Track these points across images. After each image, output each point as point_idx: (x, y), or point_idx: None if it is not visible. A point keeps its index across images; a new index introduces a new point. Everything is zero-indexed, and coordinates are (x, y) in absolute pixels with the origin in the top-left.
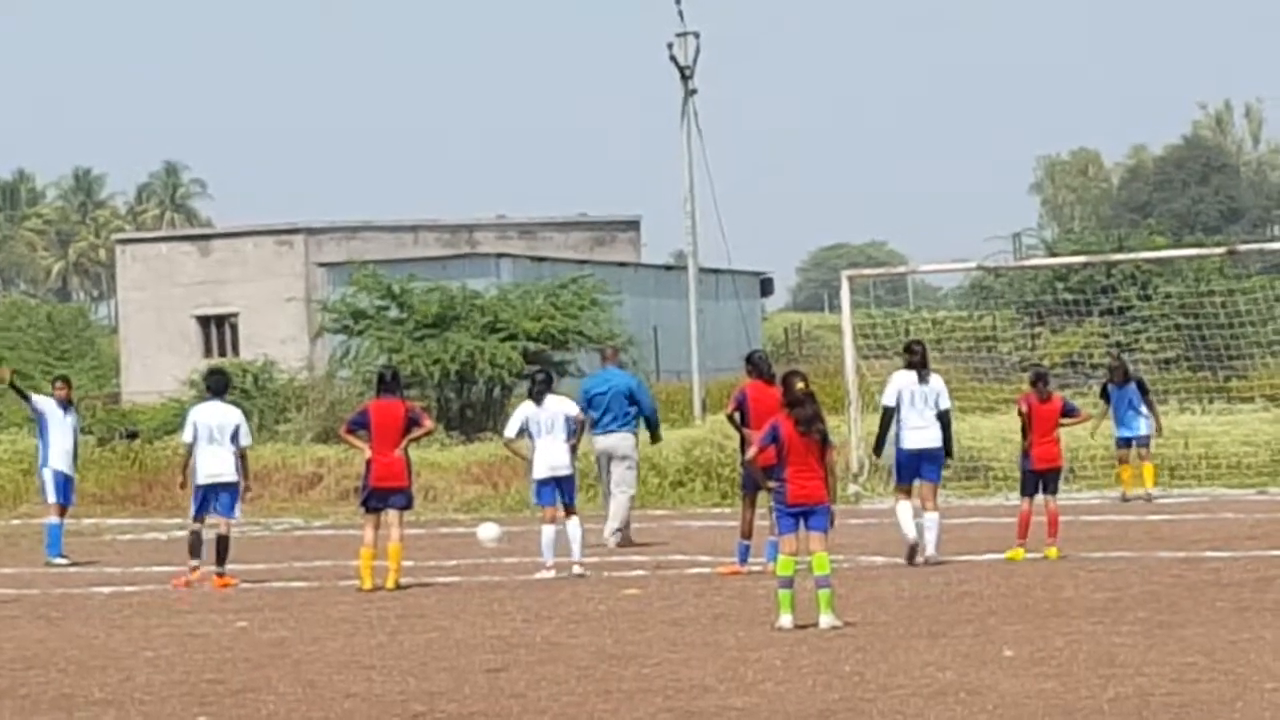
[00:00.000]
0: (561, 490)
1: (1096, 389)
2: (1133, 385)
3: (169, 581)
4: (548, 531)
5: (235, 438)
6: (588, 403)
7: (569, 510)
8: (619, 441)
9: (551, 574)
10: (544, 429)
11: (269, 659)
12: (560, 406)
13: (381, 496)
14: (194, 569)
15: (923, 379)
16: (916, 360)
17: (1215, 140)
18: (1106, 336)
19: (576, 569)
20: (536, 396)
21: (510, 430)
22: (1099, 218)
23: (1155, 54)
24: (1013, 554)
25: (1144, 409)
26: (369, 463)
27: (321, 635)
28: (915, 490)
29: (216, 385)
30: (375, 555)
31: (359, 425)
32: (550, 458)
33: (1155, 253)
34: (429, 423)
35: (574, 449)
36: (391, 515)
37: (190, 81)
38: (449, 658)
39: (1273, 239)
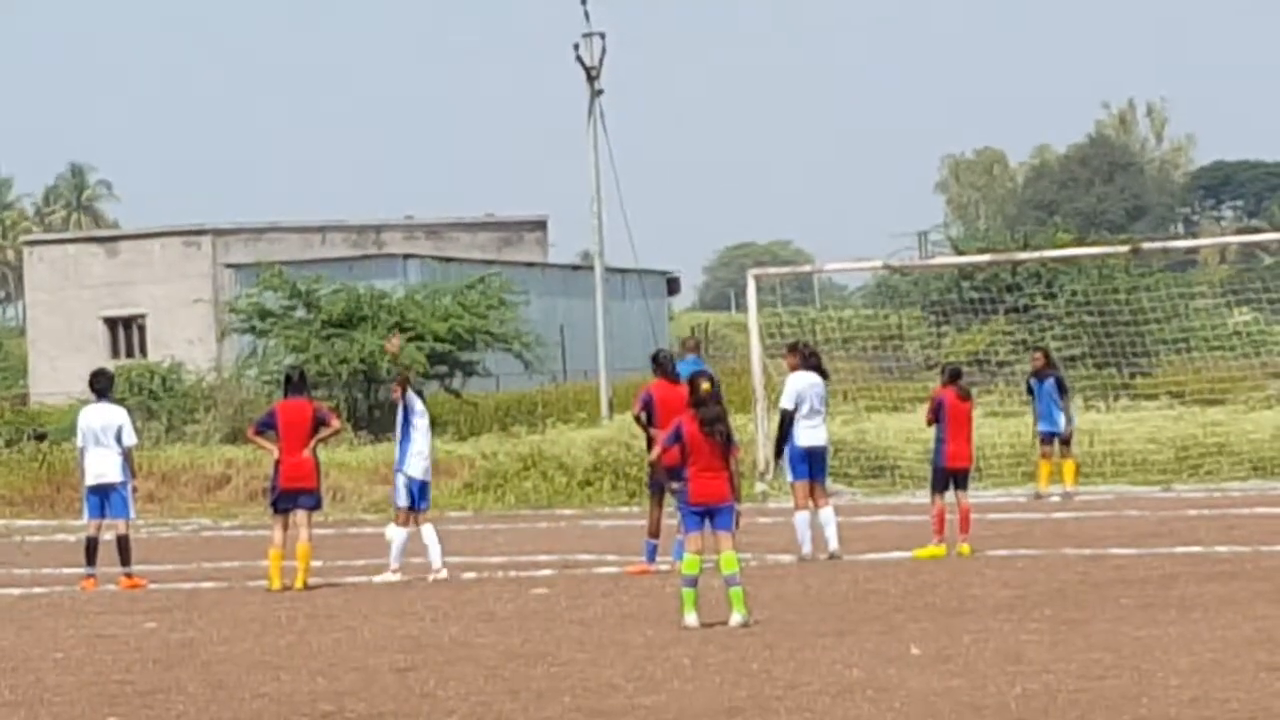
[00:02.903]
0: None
1: (1003, 385)
2: (1052, 380)
3: (78, 583)
4: (401, 534)
5: (119, 438)
6: None
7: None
8: None
9: (397, 577)
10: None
11: (178, 660)
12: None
13: (290, 497)
14: (89, 577)
15: (824, 375)
16: (813, 362)
17: (1119, 139)
18: (1011, 335)
19: (436, 575)
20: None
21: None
22: (1004, 217)
23: (1059, 54)
24: (931, 551)
25: (1061, 404)
26: (277, 463)
27: (230, 636)
28: (808, 489)
29: (100, 386)
30: (283, 556)
31: (266, 426)
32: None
33: (1060, 251)
34: (336, 422)
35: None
36: (300, 516)
37: (96, 83)
38: (358, 657)
39: (1176, 237)
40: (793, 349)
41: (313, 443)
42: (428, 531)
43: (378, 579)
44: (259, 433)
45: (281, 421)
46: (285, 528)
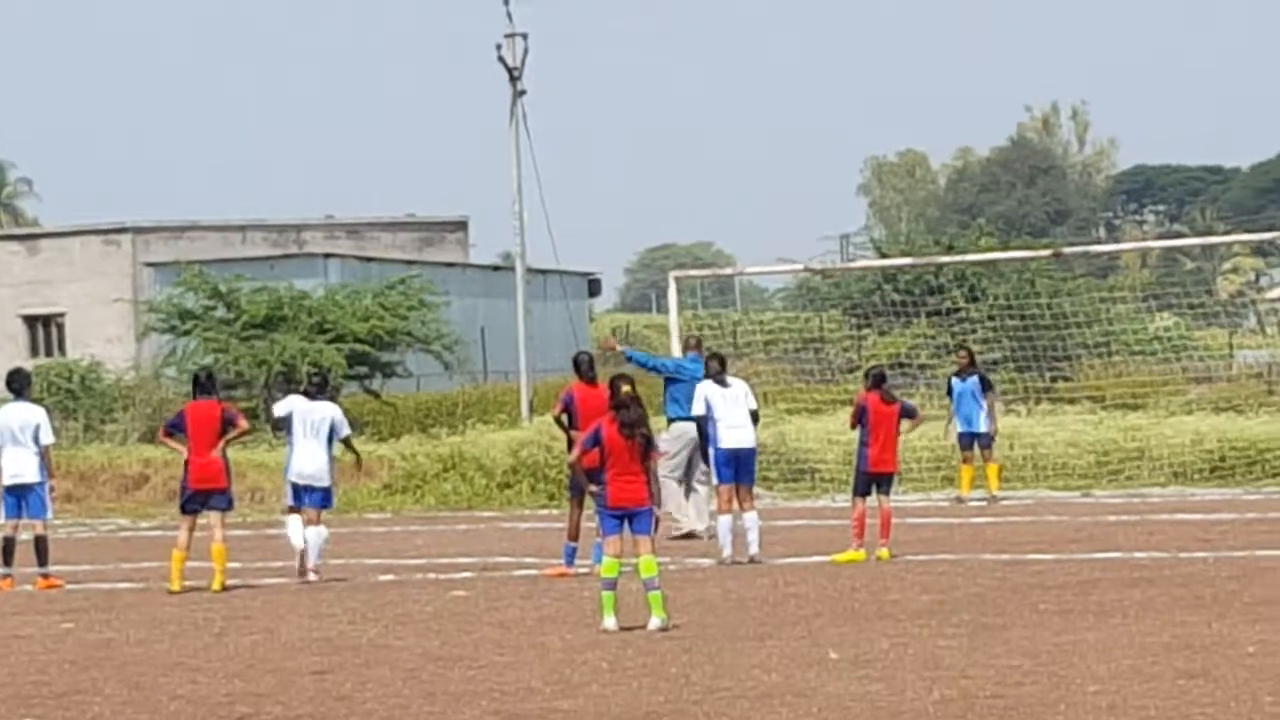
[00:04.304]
0: (310, 496)
1: (924, 389)
2: (975, 378)
3: None
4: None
5: (37, 437)
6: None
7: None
8: None
9: (316, 577)
10: (308, 430)
11: (95, 661)
12: (332, 413)
13: (200, 498)
14: (5, 577)
15: (722, 384)
16: (715, 370)
17: (1041, 143)
18: (934, 338)
19: (311, 577)
20: (311, 394)
21: (279, 410)
22: (926, 219)
23: (982, 56)
24: (850, 556)
25: (984, 404)
26: (187, 464)
27: (147, 637)
28: (732, 493)
29: (17, 386)
30: (187, 558)
31: (176, 428)
32: (303, 463)
33: (982, 255)
34: (244, 423)
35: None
36: (213, 517)
37: (14, 80)
38: (275, 660)
39: (1098, 241)
40: (707, 360)
41: (221, 444)
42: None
43: (305, 579)
44: (169, 434)
45: (190, 422)
46: (192, 530)
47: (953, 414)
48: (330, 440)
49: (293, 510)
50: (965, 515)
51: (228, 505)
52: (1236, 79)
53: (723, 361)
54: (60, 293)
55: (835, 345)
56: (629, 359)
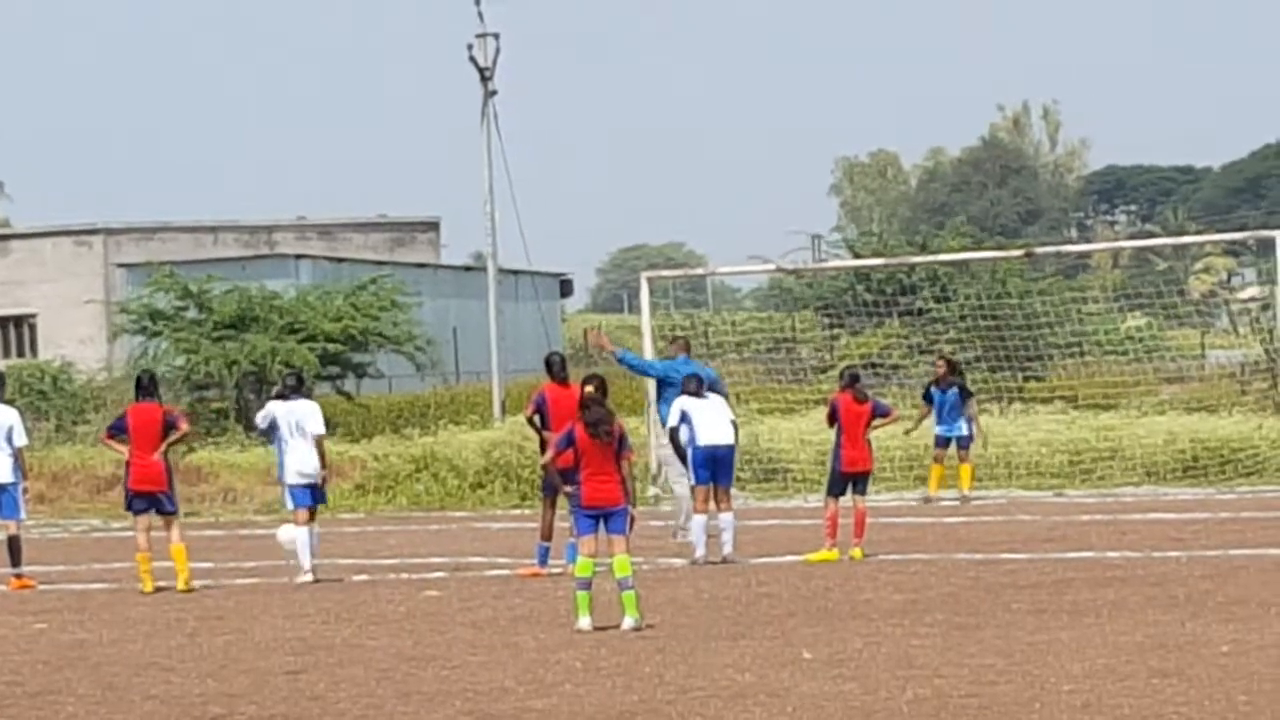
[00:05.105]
0: (314, 494)
1: (896, 389)
2: (955, 390)
3: None
4: (303, 534)
5: (10, 439)
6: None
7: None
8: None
9: (310, 578)
10: (293, 430)
11: (68, 661)
12: (311, 409)
13: (144, 499)
14: None
15: (700, 396)
16: (692, 389)
17: (1013, 142)
18: (906, 338)
19: (306, 576)
20: (286, 395)
21: (261, 422)
22: (898, 220)
23: (953, 56)
24: (824, 555)
25: (965, 413)
26: (128, 465)
27: (120, 637)
28: (709, 493)
29: None
30: (151, 558)
31: (118, 430)
32: (298, 462)
33: (954, 255)
34: (185, 425)
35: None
36: (162, 522)
37: None
38: (248, 660)
39: (1069, 241)
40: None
41: (163, 446)
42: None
43: (296, 580)
44: (112, 436)
45: (132, 424)
46: (148, 529)
47: (921, 418)
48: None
49: (296, 512)
50: (938, 515)
51: (173, 509)
52: (1208, 79)
53: (700, 383)
54: (32, 293)
55: (807, 345)
56: (620, 360)
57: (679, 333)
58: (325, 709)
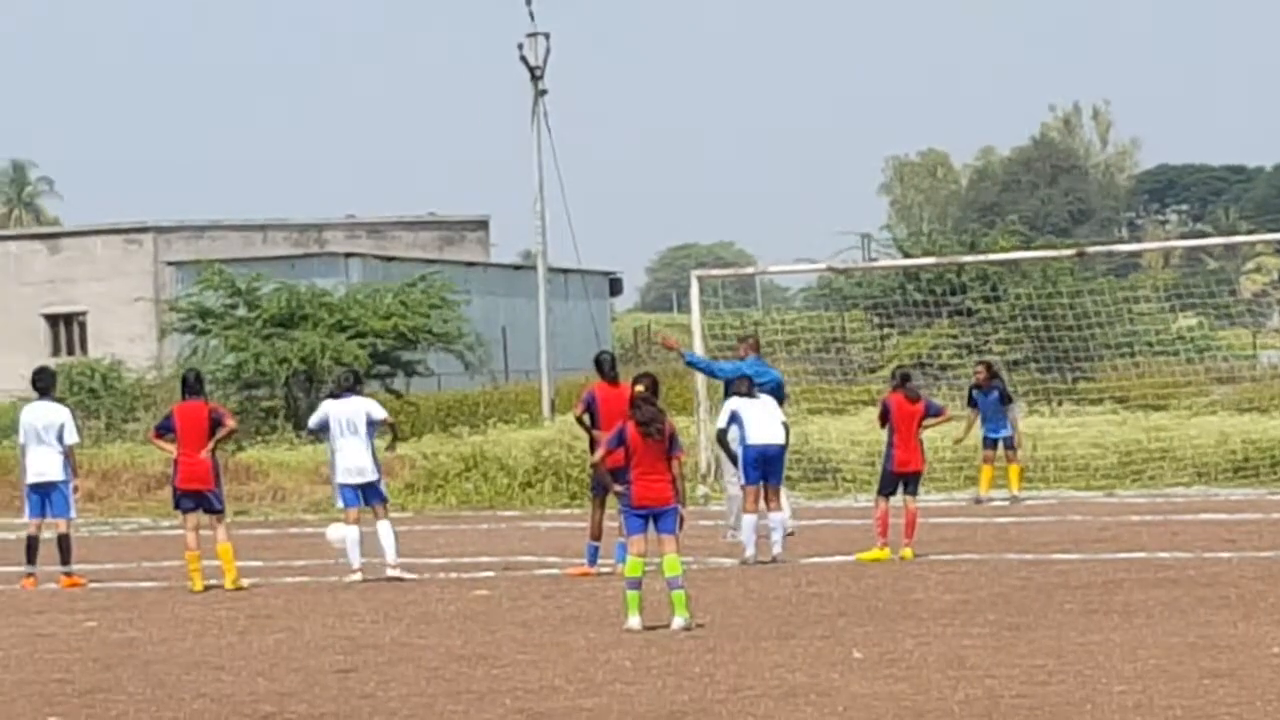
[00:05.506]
0: (365, 493)
1: (946, 389)
2: (996, 393)
3: (18, 582)
4: (353, 533)
5: (61, 436)
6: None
7: (378, 512)
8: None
9: (359, 577)
10: (345, 429)
11: (118, 659)
12: (364, 406)
13: (191, 497)
14: (29, 575)
15: (752, 396)
16: (744, 390)
17: (1063, 142)
18: (956, 338)
19: (391, 571)
20: (340, 393)
21: (313, 422)
22: (948, 219)
23: (1004, 56)
24: (875, 554)
25: (1007, 417)
26: (176, 463)
27: (170, 635)
28: (759, 493)
29: (42, 384)
30: (200, 556)
31: (166, 429)
32: (348, 460)
33: (1004, 254)
34: (231, 422)
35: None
36: (210, 521)
37: (37, 80)
38: (298, 658)
39: (1120, 240)
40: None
41: (210, 444)
42: (384, 528)
43: (345, 580)
44: (159, 435)
45: (178, 424)
46: (196, 528)
47: (969, 426)
48: (370, 434)
49: (346, 513)
50: (989, 515)
51: (220, 508)
52: (1260, 78)
53: (750, 383)
54: (82, 291)
55: (857, 344)
56: (688, 362)
57: (746, 332)
58: (376, 707)
